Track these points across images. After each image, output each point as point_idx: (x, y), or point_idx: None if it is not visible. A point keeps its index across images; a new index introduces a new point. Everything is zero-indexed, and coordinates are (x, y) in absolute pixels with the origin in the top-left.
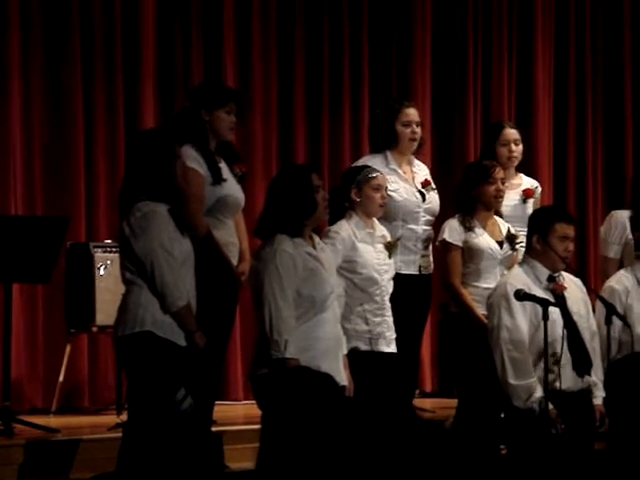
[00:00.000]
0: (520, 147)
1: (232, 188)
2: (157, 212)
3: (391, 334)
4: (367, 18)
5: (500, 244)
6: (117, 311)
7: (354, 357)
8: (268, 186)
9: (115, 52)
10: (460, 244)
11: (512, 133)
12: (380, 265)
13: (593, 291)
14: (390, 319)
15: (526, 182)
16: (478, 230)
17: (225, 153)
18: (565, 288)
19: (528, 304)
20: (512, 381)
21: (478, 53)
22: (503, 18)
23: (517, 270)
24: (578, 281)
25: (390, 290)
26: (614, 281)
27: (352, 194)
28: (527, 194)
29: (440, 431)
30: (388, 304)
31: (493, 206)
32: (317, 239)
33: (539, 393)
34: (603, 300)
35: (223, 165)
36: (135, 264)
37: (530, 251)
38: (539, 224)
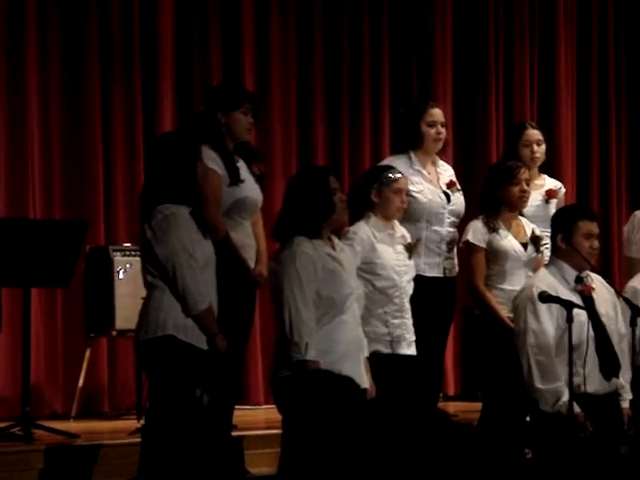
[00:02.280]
0: (543, 147)
1: (250, 189)
2: (179, 215)
3: (410, 336)
4: (387, 18)
5: (525, 246)
6: (139, 315)
7: (375, 360)
8: (285, 188)
9: (133, 54)
10: (484, 245)
11: (534, 134)
12: (399, 267)
13: (617, 292)
14: (409, 321)
15: (549, 183)
16: (502, 231)
17: (244, 153)
18: (593, 289)
19: (555, 306)
20: (539, 385)
21: (499, 53)
22: (524, 17)
23: (544, 272)
24: (606, 282)
25: (410, 292)
26: (637, 281)
27: (372, 195)
28: (550, 194)
29: (468, 433)
30: (408, 306)
31: (518, 207)
32: (336, 240)
33: (566, 397)
34: (628, 301)
35: (241, 165)
36: (157, 267)
37: (556, 252)
38: (562, 224)
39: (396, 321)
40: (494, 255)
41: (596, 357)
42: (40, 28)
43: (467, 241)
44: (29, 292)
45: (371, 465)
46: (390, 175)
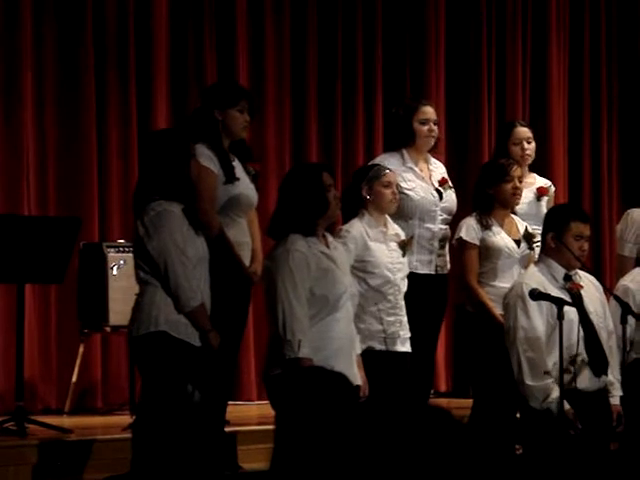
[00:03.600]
0: (533, 145)
1: (245, 187)
2: (171, 212)
3: (405, 333)
4: (381, 16)
5: (517, 243)
6: (131, 311)
7: (369, 357)
8: (279, 186)
9: (128, 51)
10: (477, 243)
11: (524, 131)
12: (393, 264)
13: (608, 290)
14: (404, 318)
15: (539, 181)
16: (495, 228)
17: (239, 151)
18: (582, 287)
19: (545, 304)
20: (528, 382)
21: (492, 52)
22: (517, 16)
23: (533, 269)
24: (595, 280)
25: (404, 289)
26: (628, 280)
27: (363, 192)
28: (541, 192)
29: (457, 427)
30: (402, 303)
31: (510, 204)
32: (330, 238)
33: (556, 394)
34: (618, 299)
35: (237, 163)
36: (149, 264)
37: (545, 249)
38: (554, 222)
39: (391, 318)
40: (487, 252)
41: (585, 354)
42: (35, 26)
43: (460, 238)
44: (23, 288)
45: (363, 461)
46: (378, 170)
